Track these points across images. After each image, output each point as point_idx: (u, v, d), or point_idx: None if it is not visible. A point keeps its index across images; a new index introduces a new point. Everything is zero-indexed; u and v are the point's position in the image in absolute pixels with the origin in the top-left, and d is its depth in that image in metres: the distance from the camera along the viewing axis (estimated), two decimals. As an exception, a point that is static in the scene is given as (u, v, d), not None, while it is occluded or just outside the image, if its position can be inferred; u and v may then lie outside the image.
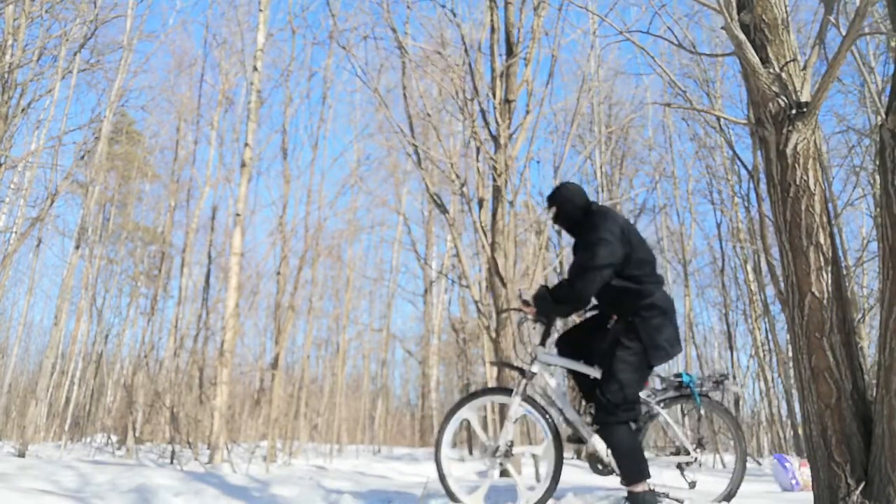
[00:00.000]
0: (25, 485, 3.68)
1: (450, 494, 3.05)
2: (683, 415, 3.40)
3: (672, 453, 3.23)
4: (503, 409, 3.29)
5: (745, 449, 3.33)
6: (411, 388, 25.21)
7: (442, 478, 3.06)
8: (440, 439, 3.10)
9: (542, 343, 3.19)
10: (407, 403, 25.99)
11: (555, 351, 3.24)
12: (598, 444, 3.11)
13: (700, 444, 3.23)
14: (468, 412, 3.13)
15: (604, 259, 2.82)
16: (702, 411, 3.27)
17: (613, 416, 2.80)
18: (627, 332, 2.90)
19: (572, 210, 3.13)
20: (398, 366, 27.36)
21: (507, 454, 3.09)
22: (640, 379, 2.91)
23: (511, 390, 3.13)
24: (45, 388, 12.13)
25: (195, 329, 12.26)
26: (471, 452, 14.70)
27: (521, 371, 3.13)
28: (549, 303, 2.99)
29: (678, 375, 3.25)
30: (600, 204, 3.24)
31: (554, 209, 3.17)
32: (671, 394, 3.21)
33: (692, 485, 3.15)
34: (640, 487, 2.76)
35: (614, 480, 3.18)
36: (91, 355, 16.81)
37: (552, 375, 3.18)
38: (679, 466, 3.21)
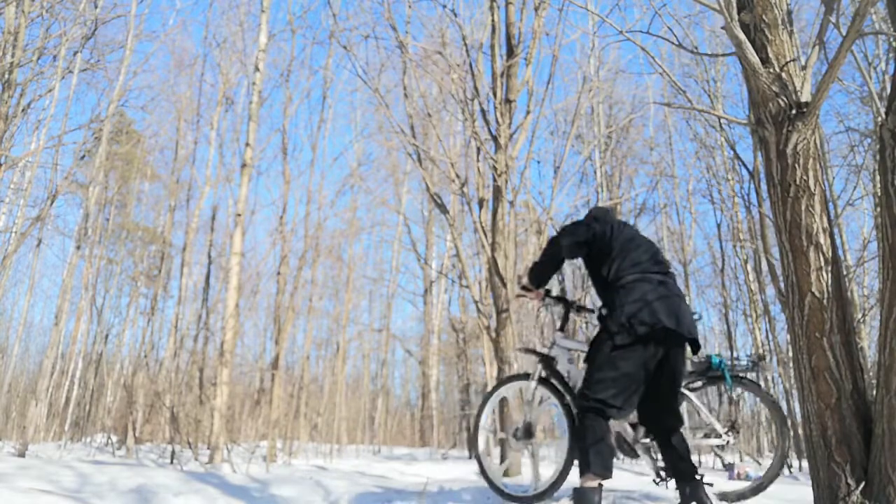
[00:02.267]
0: (25, 485, 3.68)
1: (493, 486, 3.17)
2: (720, 398, 3.34)
3: (705, 436, 3.20)
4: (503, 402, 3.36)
5: (787, 440, 3.20)
6: (411, 388, 25.23)
7: (481, 467, 3.17)
8: (477, 425, 3.24)
9: (561, 328, 3.20)
10: (407, 403, 26.00)
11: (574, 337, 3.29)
12: (625, 427, 3.11)
13: (733, 427, 3.17)
14: (505, 392, 3.25)
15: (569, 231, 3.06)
16: (733, 394, 3.22)
17: (584, 399, 2.72)
18: (600, 323, 2.86)
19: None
20: (398, 366, 27.37)
21: (528, 434, 3.13)
22: (618, 364, 2.68)
23: (529, 374, 3.19)
24: (45, 388, 12.13)
25: (195, 329, 12.27)
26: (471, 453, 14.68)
27: (542, 356, 3.15)
28: (537, 268, 3.13)
29: (707, 357, 3.23)
30: (597, 208, 3.29)
31: None
32: (701, 377, 3.20)
33: (729, 466, 3.18)
34: (589, 482, 2.60)
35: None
36: (91, 355, 16.83)
37: (571, 360, 3.17)
38: (713, 450, 3.22)
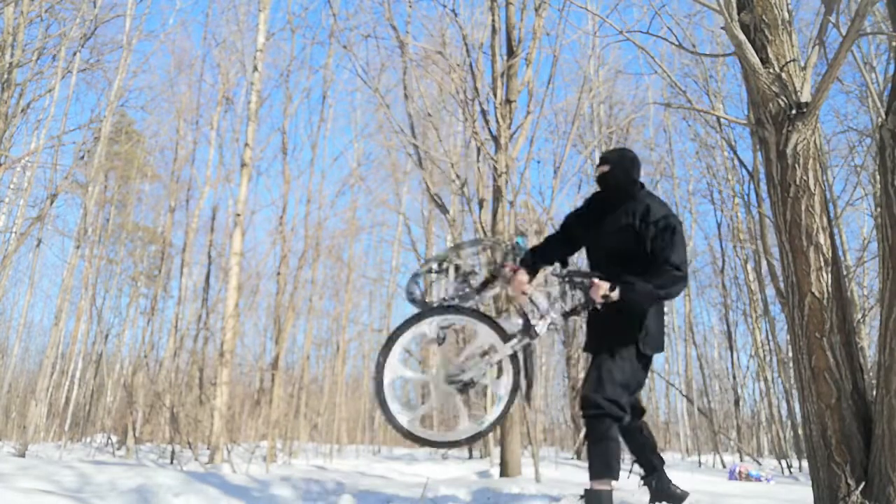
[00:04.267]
0: (26, 485, 3.67)
1: (384, 406, 2.74)
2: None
3: (539, 318, 2.86)
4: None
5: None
6: (411, 388, 25.20)
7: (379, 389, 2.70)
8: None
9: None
10: (407, 403, 26.00)
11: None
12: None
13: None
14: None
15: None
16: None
17: (607, 404, 2.67)
18: (636, 324, 2.74)
19: (624, 178, 2.84)
20: (398, 366, 27.33)
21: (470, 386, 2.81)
22: (635, 378, 2.76)
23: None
24: (45, 388, 12.13)
25: (195, 329, 12.27)
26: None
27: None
28: (651, 295, 2.69)
29: (516, 244, 3.03)
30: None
31: (607, 167, 2.85)
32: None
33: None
34: (604, 485, 2.62)
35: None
36: (91, 355, 16.84)
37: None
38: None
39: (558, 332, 3.15)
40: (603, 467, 2.61)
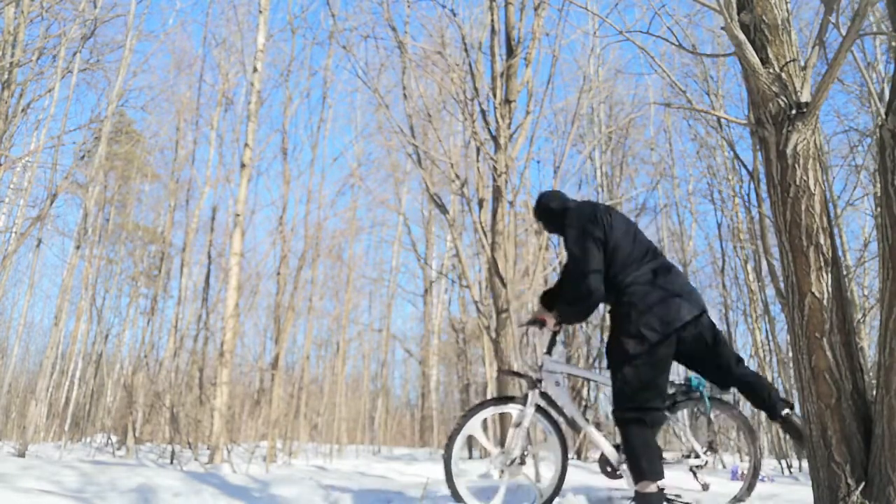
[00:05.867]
0: (26, 485, 3.67)
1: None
2: (695, 418, 3.42)
3: (683, 456, 3.24)
4: (503, 417, 3.36)
5: (758, 452, 3.32)
6: (411, 388, 25.22)
7: (455, 493, 3.06)
8: (449, 455, 3.08)
9: (549, 352, 3.23)
10: (407, 403, 26.00)
11: (561, 359, 3.35)
12: (601, 442, 3.12)
13: (711, 448, 3.24)
14: (475, 424, 3.14)
15: (586, 253, 2.89)
16: (712, 415, 3.26)
17: (620, 412, 2.80)
18: (612, 327, 2.93)
19: (551, 217, 3.23)
20: (398, 366, 27.36)
21: (522, 462, 3.13)
22: (640, 372, 2.76)
23: (514, 398, 3.19)
24: (45, 388, 12.12)
25: (195, 329, 12.26)
26: (470, 456, 14.67)
27: (531, 380, 3.15)
28: (570, 313, 3.07)
29: (687, 379, 3.26)
30: (578, 201, 3.26)
31: (535, 215, 3.35)
32: (680, 397, 3.21)
33: (705, 487, 3.15)
34: (647, 488, 2.66)
35: (619, 482, 3.18)
36: (91, 355, 16.84)
37: (558, 383, 3.19)
38: (691, 469, 3.22)
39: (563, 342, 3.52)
40: (647, 468, 2.66)
